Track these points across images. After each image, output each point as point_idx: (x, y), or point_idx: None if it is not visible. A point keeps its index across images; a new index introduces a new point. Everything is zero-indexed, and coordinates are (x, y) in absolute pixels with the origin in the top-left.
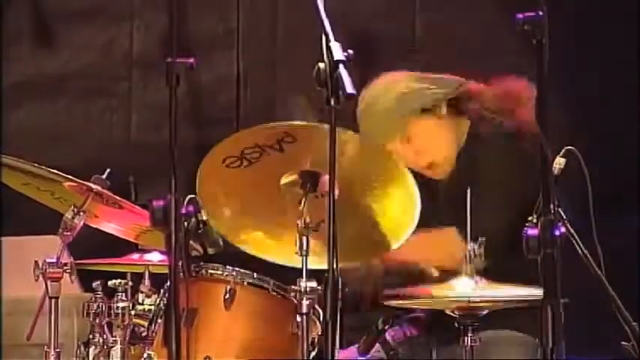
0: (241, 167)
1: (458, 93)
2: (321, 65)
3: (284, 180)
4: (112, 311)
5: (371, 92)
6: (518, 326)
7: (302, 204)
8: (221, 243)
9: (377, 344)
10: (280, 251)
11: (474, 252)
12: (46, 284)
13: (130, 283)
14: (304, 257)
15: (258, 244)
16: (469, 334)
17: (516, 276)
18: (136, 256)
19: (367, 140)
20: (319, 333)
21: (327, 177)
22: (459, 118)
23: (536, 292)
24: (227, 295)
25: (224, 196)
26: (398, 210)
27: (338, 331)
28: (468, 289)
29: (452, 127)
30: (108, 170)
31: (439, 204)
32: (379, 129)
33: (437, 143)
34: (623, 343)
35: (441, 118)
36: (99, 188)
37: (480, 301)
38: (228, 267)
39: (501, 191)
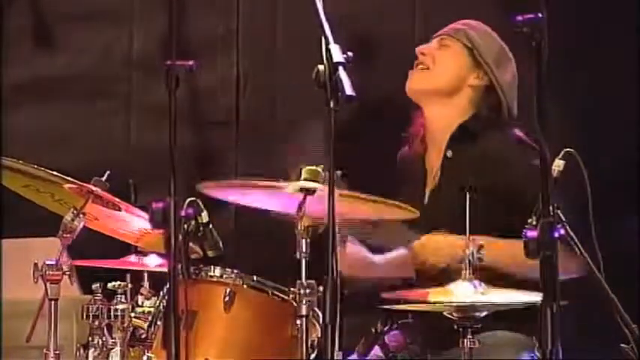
0: None
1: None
2: (321, 67)
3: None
4: (112, 313)
5: None
6: (513, 326)
7: (302, 206)
8: (221, 245)
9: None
10: None
11: (473, 256)
12: (46, 286)
13: (130, 285)
14: (303, 259)
15: None
16: (468, 337)
17: None
18: (134, 258)
19: None
20: (318, 335)
21: None
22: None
23: (534, 297)
24: (227, 298)
25: None
26: None
27: (337, 334)
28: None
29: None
30: (108, 172)
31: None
32: None
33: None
34: (623, 345)
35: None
36: (99, 190)
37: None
38: (227, 269)
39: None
